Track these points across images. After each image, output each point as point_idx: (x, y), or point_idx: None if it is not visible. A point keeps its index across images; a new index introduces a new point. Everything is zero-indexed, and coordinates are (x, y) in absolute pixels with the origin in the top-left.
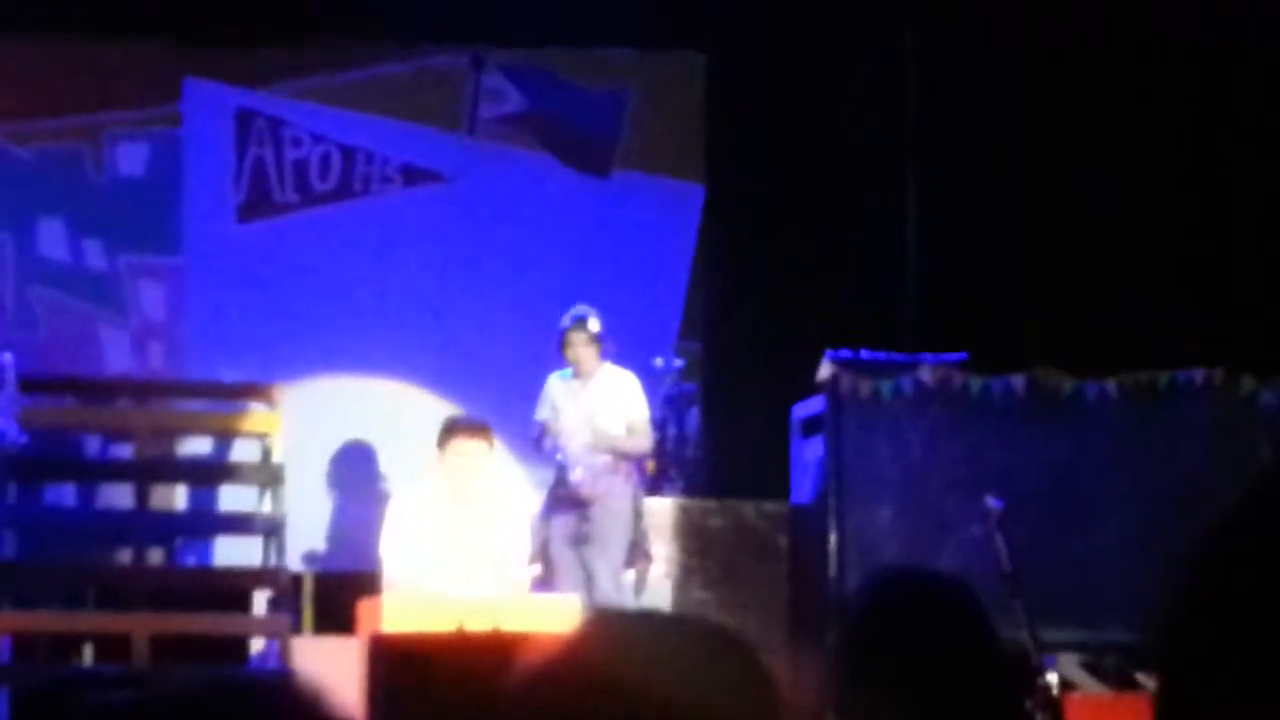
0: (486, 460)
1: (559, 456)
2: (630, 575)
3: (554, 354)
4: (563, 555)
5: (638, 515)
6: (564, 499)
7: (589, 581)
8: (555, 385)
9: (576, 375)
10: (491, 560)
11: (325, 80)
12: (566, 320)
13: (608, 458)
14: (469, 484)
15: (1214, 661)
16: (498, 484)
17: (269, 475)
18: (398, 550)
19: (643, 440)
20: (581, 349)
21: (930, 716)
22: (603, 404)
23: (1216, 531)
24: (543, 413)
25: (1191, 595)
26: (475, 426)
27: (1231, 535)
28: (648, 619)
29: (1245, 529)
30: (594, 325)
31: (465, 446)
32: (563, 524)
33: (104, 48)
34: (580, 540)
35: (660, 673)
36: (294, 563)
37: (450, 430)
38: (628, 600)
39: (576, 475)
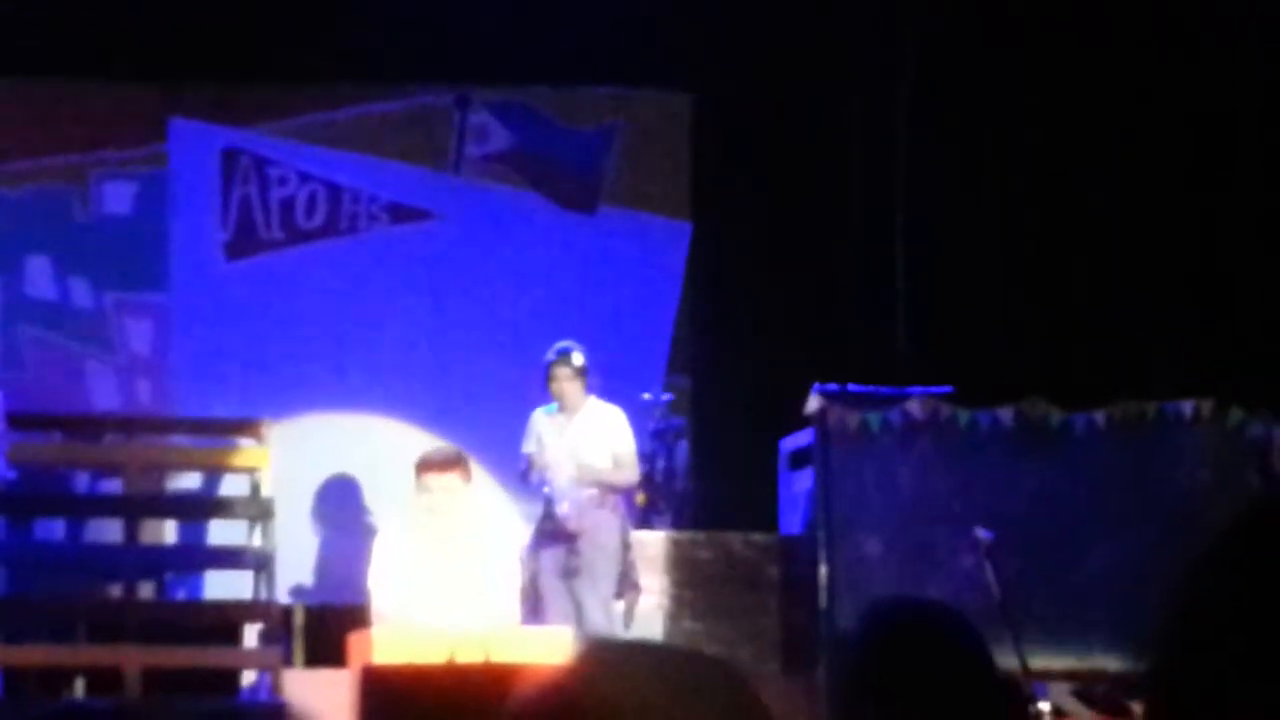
0: (460, 494)
1: (546, 490)
2: (619, 607)
3: (540, 389)
4: (551, 588)
5: (625, 547)
6: (551, 532)
7: (578, 614)
8: (540, 420)
9: (562, 409)
10: (476, 591)
11: (311, 119)
12: (551, 354)
13: (594, 491)
14: (443, 518)
15: (1200, 686)
16: (479, 515)
17: (258, 510)
18: (385, 583)
19: (629, 473)
20: (566, 383)
21: None
22: (588, 438)
23: (1205, 559)
24: (529, 447)
25: (1179, 622)
26: (446, 461)
27: (1220, 562)
28: (640, 650)
29: (1233, 555)
30: (578, 359)
31: (436, 481)
32: (551, 557)
33: (90, 89)
34: (569, 573)
35: (654, 704)
36: (284, 596)
37: (422, 467)
38: (617, 632)
39: (563, 509)
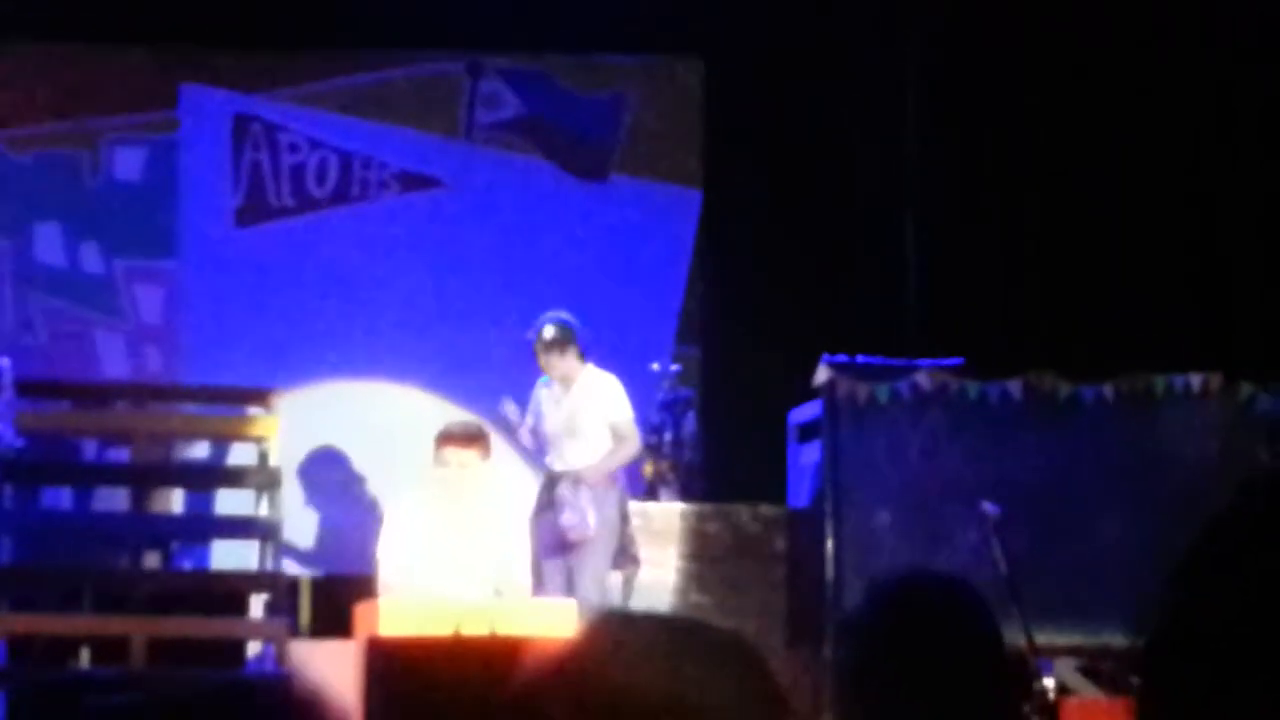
0: (480, 469)
1: (547, 459)
2: (616, 580)
3: None
4: (546, 560)
5: (624, 520)
6: (548, 504)
7: (570, 587)
8: (541, 392)
9: (557, 382)
10: (488, 565)
11: (322, 86)
12: (530, 331)
13: (595, 489)
14: (461, 493)
15: (1197, 665)
16: (494, 490)
17: (266, 479)
18: (393, 555)
19: (630, 444)
20: (544, 357)
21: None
22: (583, 408)
23: (1205, 534)
24: (527, 419)
25: (1177, 598)
26: (468, 435)
27: (1220, 537)
28: (649, 622)
29: (1234, 531)
30: (549, 333)
31: (457, 456)
32: (547, 529)
33: (100, 54)
34: (564, 545)
35: (661, 676)
36: (291, 566)
37: (442, 439)
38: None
39: (566, 519)
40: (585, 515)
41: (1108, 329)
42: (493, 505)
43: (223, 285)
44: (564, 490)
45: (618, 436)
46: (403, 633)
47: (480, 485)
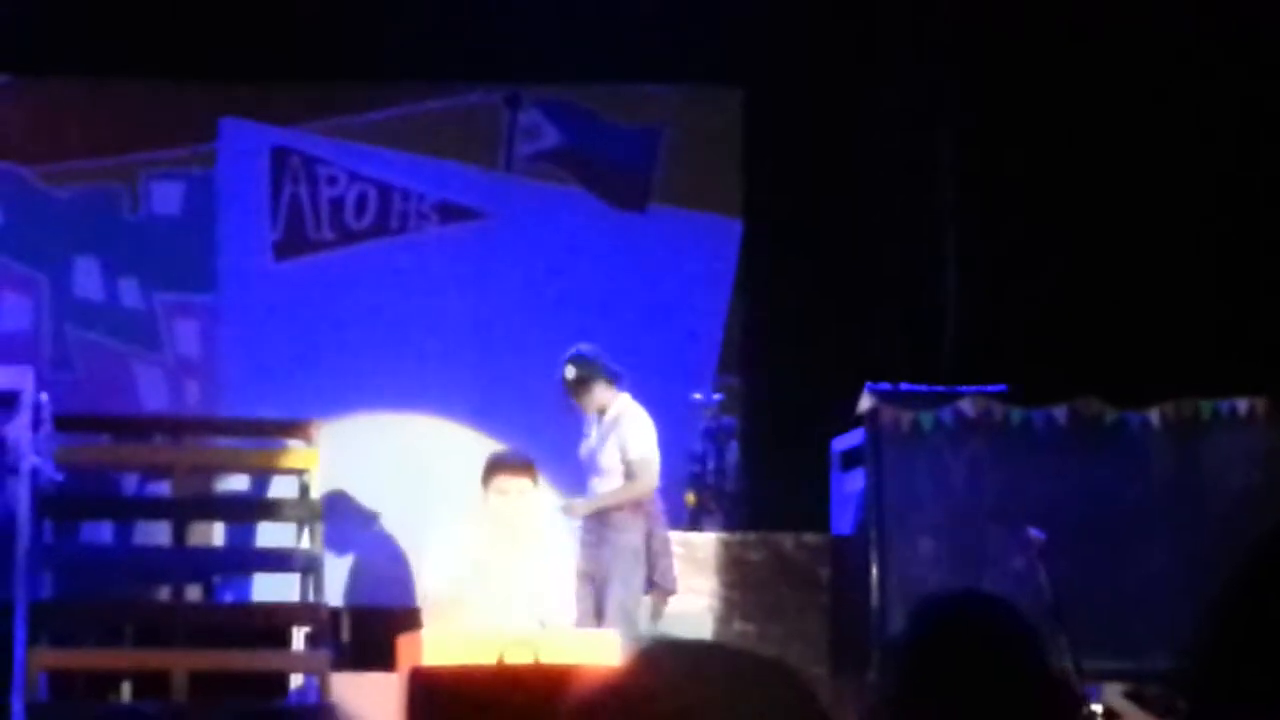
0: (531, 497)
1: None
2: (643, 611)
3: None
4: (575, 588)
5: (651, 549)
6: (575, 532)
7: (597, 615)
8: (588, 422)
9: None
10: (532, 597)
11: (361, 118)
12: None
13: (612, 519)
14: (513, 522)
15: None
16: (541, 521)
17: (307, 511)
18: (439, 586)
19: (639, 484)
20: (574, 399)
21: None
22: (603, 442)
23: (1251, 560)
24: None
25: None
26: (519, 464)
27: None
28: (695, 650)
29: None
30: (569, 374)
31: (509, 484)
32: (577, 557)
33: (139, 88)
34: (590, 575)
35: (709, 704)
36: (332, 598)
37: (493, 468)
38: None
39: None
40: (594, 548)
41: (1153, 354)
42: (538, 535)
43: (261, 319)
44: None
45: (629, 473)
46: (446, 663)
47: (530, 515)
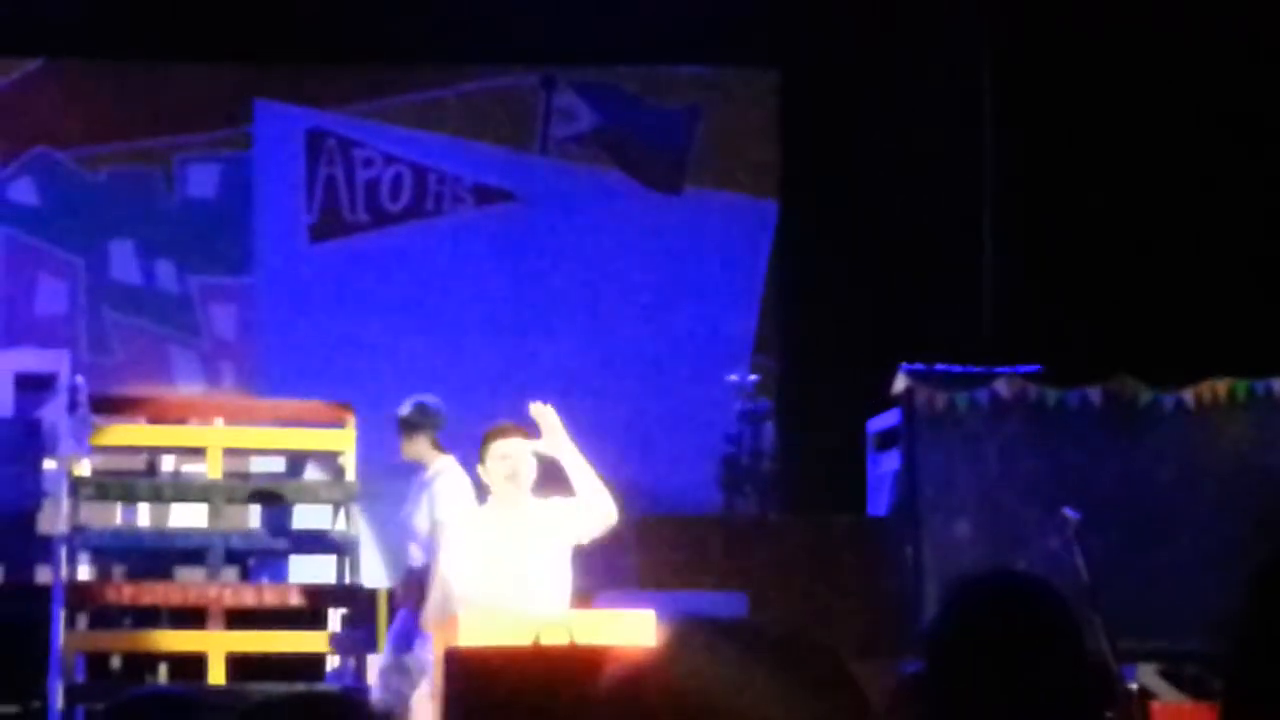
0: (527, 450)
1: None
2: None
3: (623, 364)
4: None
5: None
6: None
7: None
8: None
9: None
10: (551, 576)
11: (396, 101)
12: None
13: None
14: (520, 479)
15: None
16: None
17: (343, 494)
18: (460, 569)
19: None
20: (400, 435)
21: None
22: (415, 504)
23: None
24: None
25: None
26: (512, 426)
27: None
28: (733, 631)
29: None
30: (404, 409)
31: (508, 447)
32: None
33: (174, 71)
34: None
35: (747, 684)
36: (368, 580)
37: (488, 438)
38: None
39: None
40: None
41: (1188, 334)
42: (552, 517)
43: (297, 300)
44: None
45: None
46: (482, 644)
47: (532, 463)
